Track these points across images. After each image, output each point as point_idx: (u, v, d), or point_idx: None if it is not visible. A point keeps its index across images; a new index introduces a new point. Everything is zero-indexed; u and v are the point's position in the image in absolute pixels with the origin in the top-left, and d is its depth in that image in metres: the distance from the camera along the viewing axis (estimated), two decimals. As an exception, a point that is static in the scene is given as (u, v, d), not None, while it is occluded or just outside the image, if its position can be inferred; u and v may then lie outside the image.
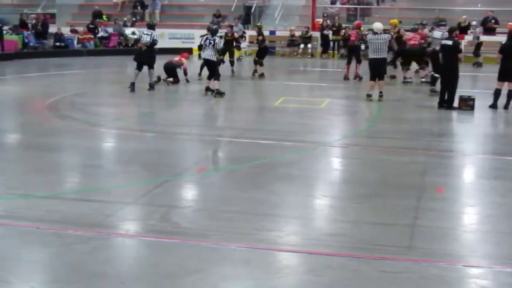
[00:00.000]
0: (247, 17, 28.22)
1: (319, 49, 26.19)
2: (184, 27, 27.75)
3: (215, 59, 14.42)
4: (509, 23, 23.22)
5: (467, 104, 12.98)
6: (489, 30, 24.81)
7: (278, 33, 26.88)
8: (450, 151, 9.63)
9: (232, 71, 18.65)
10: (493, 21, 24.87)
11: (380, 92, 14.09)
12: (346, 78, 18.09)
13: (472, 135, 11.14)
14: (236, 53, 20.33)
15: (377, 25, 14.33)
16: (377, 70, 14.12)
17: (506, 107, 12.90)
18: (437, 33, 15.79)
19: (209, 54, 14.40)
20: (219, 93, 14.19)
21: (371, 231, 5.93)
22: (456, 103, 13.02)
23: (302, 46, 25.86)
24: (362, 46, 16.77)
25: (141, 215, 6.35)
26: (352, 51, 18.03)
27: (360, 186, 7.46)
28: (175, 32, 27.22)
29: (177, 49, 26.14)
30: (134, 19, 28.91)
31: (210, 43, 14.37)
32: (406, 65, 17.48)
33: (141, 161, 8.51)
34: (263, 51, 19.08)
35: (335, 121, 12.28)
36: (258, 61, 18.75)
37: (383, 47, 13.98)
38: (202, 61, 15.80)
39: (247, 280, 4.87)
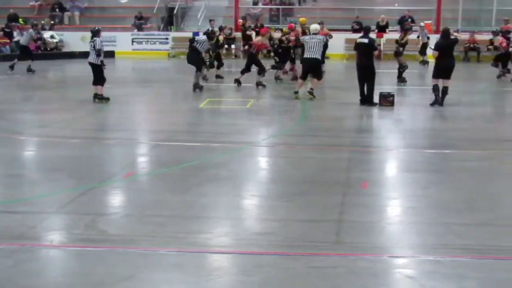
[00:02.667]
0: (169, 19, 28.05)
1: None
2: (106, 29, 27.23)
3: (98, 63, 13.72)
4: (425, 22, 24.00)
5: (387, 100, 13.36)
6: (407, 29, 25.55)
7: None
8: (372, 147, 9.88)
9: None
10: (409, 20, 25.62)
11: (311, 89, 14.26)
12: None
13: (393, 130, 11.46)
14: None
15: (313, 26, 14.55)
16: (309, 70, 14.30)
17: (441, 103, 13.30)
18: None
19: (91, 58, 13.78)
20: (103, 98, 13.76)
21: (300, 228, 6.02)
22: (376, 100, 13.39)
23: (226, 47, 25.83)
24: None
25: (66, 225, 6.20)
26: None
27: (288, 184, 7.56)
28: (96, 35, 26.78)
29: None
30: (52, 22, 28.17)
31: (91, 45, 13.74)
32: None
33: (65, 168, 8.31)
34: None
35: (261, 121, 12.37)
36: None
37: (317, 48, 13.98)
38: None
39: (179, 285, 4.86)
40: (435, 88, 13.32)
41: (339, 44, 25.13)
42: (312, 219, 6.27)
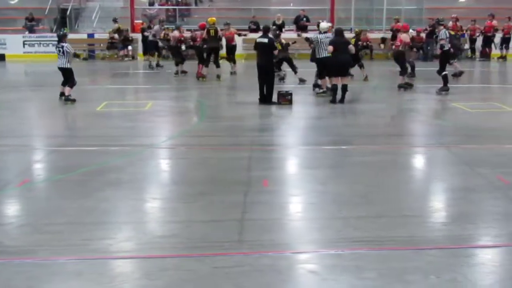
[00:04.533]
0: (62, 20, 27.21)
1: (140, 51, 25.91)
2: (-6, 32, 26.18)
3: (69, 66, 13.97)
4: (319, 21, 24.58)
5: (286, 99, 13.59)
6: (301, 28, 26.15)
7: (97, 36, 26.25)
8: (272, 145, 10.01)
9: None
10: (304, 19, 26.20)
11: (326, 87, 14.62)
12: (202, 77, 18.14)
13: (292, 128, 11.66)
14: None
15: (323, 25, 14.66)
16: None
17: (342, 101, 13.65)
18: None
19: (62, 62, 13.95)
20: (69, 100, 13.91)
21: (202, 229, 6.01)
22: (275, 98, 13.60)
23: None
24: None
25: (-43, 237, 5.89)
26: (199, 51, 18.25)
27: (189, 185, 7.53)
28: (-16, 38, 25.60)
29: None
30: None
31: (59, 51, 13.95)
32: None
33: (-46, 178, 7.89)
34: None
35: (161, 123, 12.24)
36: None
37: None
38: None
39: (80, 293, 4.73)
40: (334, 88, 13.64)
41: (237, 44, 25.29)
42: (214, 219, 6.27)
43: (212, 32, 17.81)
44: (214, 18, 18.84)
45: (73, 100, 13.98)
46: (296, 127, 11.68)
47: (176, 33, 19.53)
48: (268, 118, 12.58)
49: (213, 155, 9.12)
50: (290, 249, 5.54)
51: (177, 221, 6.26)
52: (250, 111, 13.04)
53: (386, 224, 6.15)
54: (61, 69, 14.08)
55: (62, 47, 13.91)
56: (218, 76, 18.09)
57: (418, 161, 9.22)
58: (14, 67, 23.70)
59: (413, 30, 25.11)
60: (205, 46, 18.00)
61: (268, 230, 5.96)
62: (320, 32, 14.60)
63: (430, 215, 6.56)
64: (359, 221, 6.22)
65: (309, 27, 26.05)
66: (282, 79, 16.92)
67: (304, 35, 18.46)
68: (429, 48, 23.66)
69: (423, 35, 21.93)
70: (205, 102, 13.98)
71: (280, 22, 25.76)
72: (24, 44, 25.62)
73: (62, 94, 14.22)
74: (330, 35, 14.64)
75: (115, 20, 25.35)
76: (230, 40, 19.27)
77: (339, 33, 14.03)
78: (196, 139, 10.35)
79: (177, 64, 19.05)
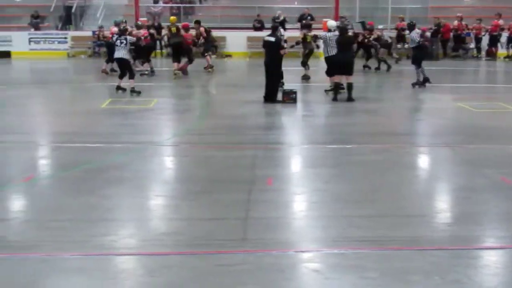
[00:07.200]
0: (68, 17, 27.23)
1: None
2: (0, 29, 26.19)
3: (128, 58, 15.12)
4: (324, 20, 24.56)
5: (290, 97, 13.59)
6: (306, 27, 26.08)
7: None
8: (277, 143, 10.01)
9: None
10: (309, 18, 26.14)
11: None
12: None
13: (296, 126, 11.66)
14: None
15: (332, 23, 14.98)
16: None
17: (349, 99, 13.70)
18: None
19: (122, 53, 14.89)
20: (135, 91, 14.75)
21: (206, 227, 6.02)
22: (280, 97, 13.60)
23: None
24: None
25: (-38, 232, 5.91)
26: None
27: (192, 183, 7.53)
28: (-11, 35, 25.64)
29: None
30: None
31: (122, 42, 14.89)
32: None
33: (-42, 174, 7.92)
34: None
35: (164, 120, 12.25)
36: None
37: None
38: None
39: (83, 289, 4.74)
40: (337, 86, 13.71)
41: (241, 42, 25.33)
42: (218, 217, 6.28)
43: (173, 29, 18.67)
44: (175, 17, 20.15)
45: (139, 92, 14.77)
46: (299, 126, 11.67)
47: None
48: (271, 117, 12.57)
49: (216, 154, 9.13)
50: (293, 248, 5.54)
51: (180, 219, 6.27)
52: (253, 109, 13.03)
53: (389, 224, 6.15)
54: (120, 60, 15.00)
55: (126, 39, 14.93)
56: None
57: (422, 161, 9.21)
58: (20, 64, 23.74)
59: (419, 29, 25.08)
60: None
61: (271, 228, 5.97)
62: (329, 30, 14.64)
63: (434, 215, 6.55)
64: (362, 220, 6.22)
65: (314, 26, 26.04)
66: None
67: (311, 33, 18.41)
68: (433, 47, 23.59)
69: (428, 34, 21.75)
70: (209, 100, 13.97)
71: (282, 18, 25.73)
72: (30, 41, 25.63)
73: (119, 87, 15.07)
74: (337, 33, 14.75)
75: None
76: None
77: (342, 32, 14.08)
78: (200, 137, 10.35)
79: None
